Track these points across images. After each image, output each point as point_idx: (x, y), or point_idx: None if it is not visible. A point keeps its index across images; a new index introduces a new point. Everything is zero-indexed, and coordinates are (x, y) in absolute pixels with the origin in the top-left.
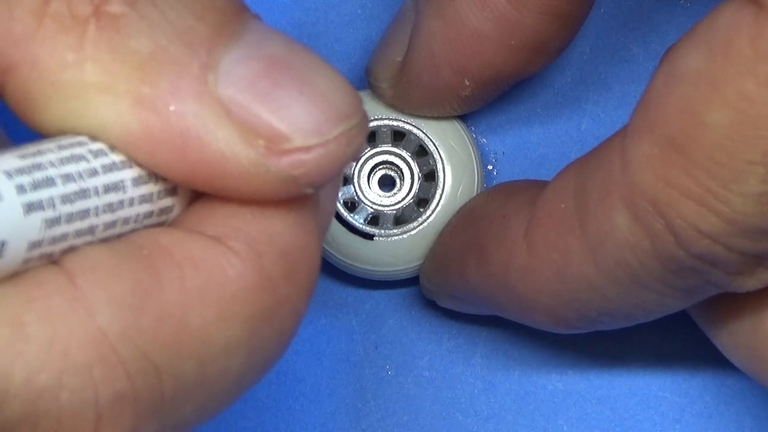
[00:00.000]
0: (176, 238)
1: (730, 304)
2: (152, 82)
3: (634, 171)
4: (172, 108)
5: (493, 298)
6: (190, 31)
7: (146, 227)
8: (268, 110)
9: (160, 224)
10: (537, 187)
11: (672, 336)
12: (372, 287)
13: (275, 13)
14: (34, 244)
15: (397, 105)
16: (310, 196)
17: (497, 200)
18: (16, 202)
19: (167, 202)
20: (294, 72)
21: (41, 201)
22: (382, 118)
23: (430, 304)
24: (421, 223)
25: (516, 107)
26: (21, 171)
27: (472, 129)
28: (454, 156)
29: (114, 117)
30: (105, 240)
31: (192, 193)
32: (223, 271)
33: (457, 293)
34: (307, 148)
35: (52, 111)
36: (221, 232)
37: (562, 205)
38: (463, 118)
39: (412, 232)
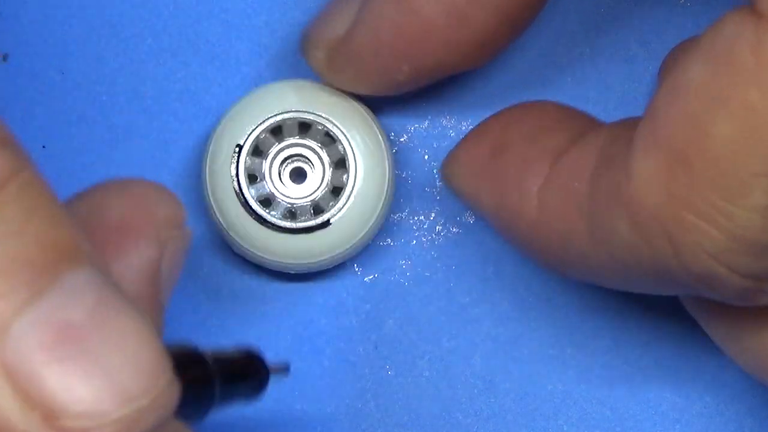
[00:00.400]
0: None
1: (740, 311)
2: None
3: (638, 186)
4: None
5: (501, 230)
6: None
7: None
8: (48, 383)
9: None
10: (565, 130)
11: (672, 336)
12: (371, 287)
13: (275, 13)
14: None
15: (327, 76)
16: None
17: (523, 135)
18: None
19: None
20: (85, 344)
21: None
22: (288, 111)
23: (430, 304)
24: (340, 210)
25: None
26: None
27: (472, 129)
28: (361, 141)
29: None
30: None
31: None
32: None
33: (467, 197)
34: (82, 429)
35: None
36: None
37: (576, 184)
38: (461, 116)
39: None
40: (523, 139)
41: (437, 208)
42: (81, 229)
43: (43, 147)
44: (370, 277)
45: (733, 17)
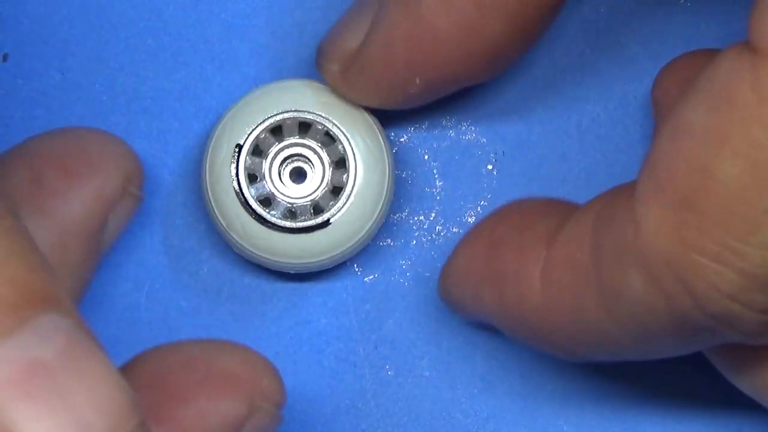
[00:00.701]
0: None
1: (753, 350)
2: None
3: (647, 234)
4: None
5: (507, 326)
6: None
7: None
8: (14, 419)
9: None
10: (554, 215)
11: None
12: (371, 287)
13: (275, 13)
14: None
15: (341, 89)
16: None
17: (514, 227)
18: None
19: None
20: (52, 383)
21: None
22: (288, 111)
23: (430, 304)
24: (340, 209)
25: (516, 107)
26: None
27: (472, 129)
28: (361, 141)
29: None
30: None
31: None
32: None
33: (471, 311)
34: None
35: None
36: None
37: (578, 255)
38: (461, 116)
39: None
40: (515, 230)
41: (437, 208)
42: (55, 279)
43: None
44: (370, 277)
45: (728, 55)
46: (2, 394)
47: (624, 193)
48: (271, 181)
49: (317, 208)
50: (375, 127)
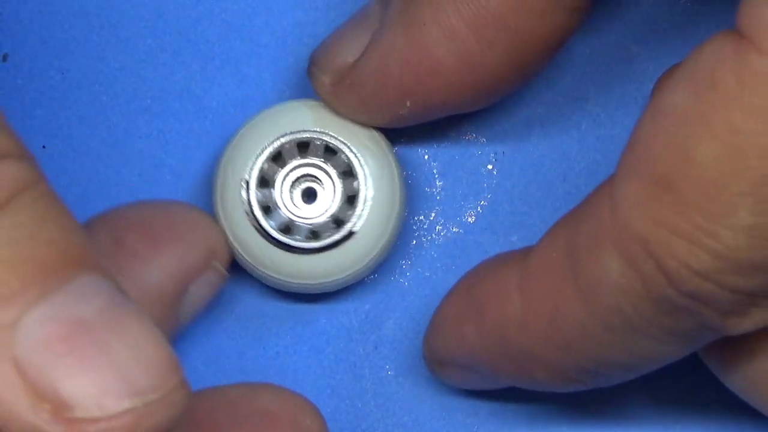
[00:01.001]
0: None
1: (740, 347)
2: None
3: (623, 213)
4: None
5: (492, 358)
6: None
7: None
8: (58, 375)
9: None
10: (528, 248)
11: None
12: (371, 287)
13: (275, 13)
14: None
15: (330, 102)
16: None
17: (490, 266)
18: None
19: None
20: (95, 339)
21: None
22: (283, 134)
23: (430, 304)
24: (360, 216)
25: (516, 107)
26: None
27: (472, 129)
28: (361, 146)
29: None
30: None
31: None
32: None
33: (457, 359)
34: (91, 421)
35: None
36: None
37: (554, 255)
38: (460, 117)
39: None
40: (490, 268)
41: (437, 208)
42: (92, 242)
43: (43, 147)
44: (370, 277)
45: (715, 40)
46: (47, 352)
47: (599, 189)
48: (286, 207)
49: (338, 221)
50: (372, 129)
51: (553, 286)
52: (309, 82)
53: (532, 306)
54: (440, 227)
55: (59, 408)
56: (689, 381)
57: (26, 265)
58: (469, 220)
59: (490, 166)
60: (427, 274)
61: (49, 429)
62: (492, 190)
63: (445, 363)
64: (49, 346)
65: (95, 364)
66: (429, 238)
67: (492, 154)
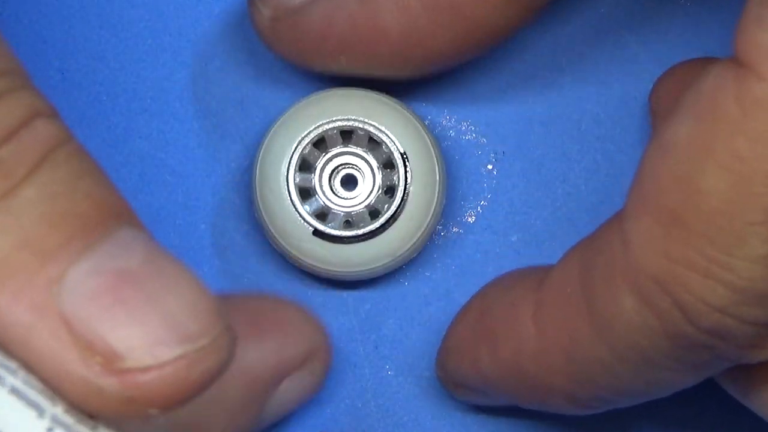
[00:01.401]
0: None
1: (759, 371)
2: None
3: (634, 251)
4: (12, 318)
5: (506, 385)
6: (41, 240)
7: None
8: (107, 327)
9: None
10: (542, 271)
11: None
12: (371, 287)
13: None
14: None
15: (266, 38)
16: None
17: (504, 288)
18: None
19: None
20: (141, 288)
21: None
22: (328, 121)
23: (430, 305)
24: (398, 208)
25: (516, 107)
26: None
27: (472, 129)
28: (405, 139)
29: None
30: None
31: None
32: None
33: (470, 382)
34: (143, 370)
35: None
36: None
37: (568, 289)
38: (461, 116)
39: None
40: (504, 290)
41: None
42: (123, 197)
43: None
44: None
45: (715, 69)
46: (94, 305)
47: (610, 221)
48: (323, 193)
49: (374, 212)
50: (417, 122)
51: (568, 319)
52: (249, 16)
53: (547, 337)
54: (440, 227)
55: (110, 359)
56: (694, 403)
57: (67, 219)
58: (469, 220)
59: (490, 166)
60: (427, 273)
61: (101, 382)
62: (492, 190)
63: (459, 384)
64: (95, 299)
65: (143, 314)
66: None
67: (492, 154)
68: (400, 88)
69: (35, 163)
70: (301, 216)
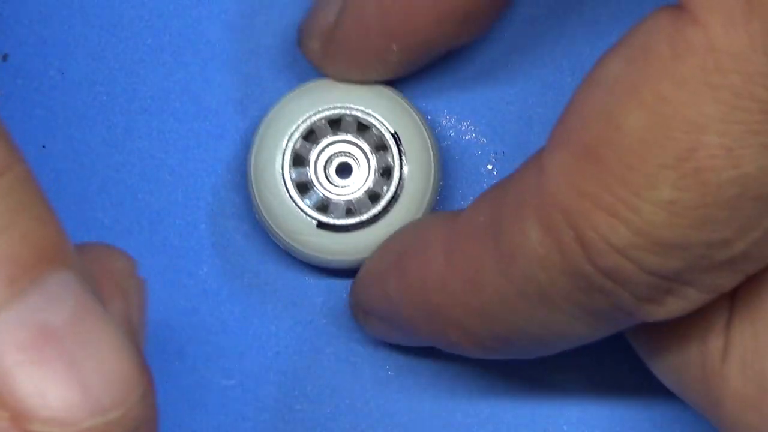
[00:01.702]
0: None
1: (658, 330)
2: None
3: (547, 181)
4: None
5: (410, 313)
6: None
7: None
8: (21, 384)
9: None
10: (460, 210)
11: None
12: None
13: (275, 13)
14: None
15: (323, 66)
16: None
17: (420, 223)
18: None
19: None
20: (61, 348)
21: None
22: (315, 112)
23: None
24: (397, 188)
25: (516, 107)
26: None
27: (472, 129)
28: (394, 119)
29: None
30: None
31: None
32: None
33: (378, 311)
34: None
35: None
36: None
37: (481, 218)
38: (461, 116)
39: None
40: (420, 226)
41: (437, 208)
42: (61, 228)
43: (43, 147)
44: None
45: (655, 13)
46: (14, 359)
47: (532, 157)
48: (321, 185)
49: (374, 196)
50: (402, 101)
51: (475, 251)
52: (302, 53)
53: (453, 268)
54: None
55: (18, 418)
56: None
57: (1, 264)
58: None
59: (490, 166)
60: None
61: None
62: None
63: (368, 313)
64: (13, 353)
65: (59, 377)
66: None
67: (492, 154)
68: (399, 87)
69: None
70: (302, 211)
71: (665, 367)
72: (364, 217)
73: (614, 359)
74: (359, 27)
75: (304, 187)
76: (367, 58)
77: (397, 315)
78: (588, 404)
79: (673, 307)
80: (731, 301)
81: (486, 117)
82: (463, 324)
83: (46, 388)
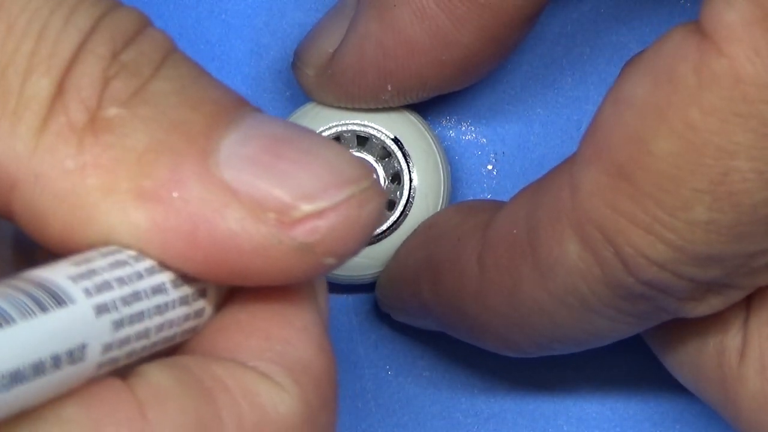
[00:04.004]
0: (230, 371)
1: (676, 328)
2: (151, 174)
3: (582, 198)
4: (175, 195)
5: (444, 318)
6: (186, 121)
7: (184, 332)
8: (273, 183)
9: (193, 329)
10: (493, 209)
11: None
12: (371, 288)
13: (275, 13)
14: (107, 347)
15: (315, 93)
16: (319, 308)
17: (453, 221)
18: (87, 304)
19: (200, 304)
20: (296, 145)
21: (106, 303)
22: (345, 123)
23: None
24: (391, 225)
25: (516, 107)
26: (81, 276)
27: (472, 129)
28: (418, 155)
29: (120, 217)
30: (157, 347)
31: (219, 297)
32: (276, 408)
33: (410, 309)
34: (319, 214)
35: (59, 222)
36: (266, 367)
37: (514, 231)
38: (461, 116)
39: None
40: (453, 225)
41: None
42: None
43: None
44: (371, 276)
45: (677, 33)
46: (257, 165)
47: (561, 166)
48: None
49: (390, 205)
50: (405, 111)
51: (511, 262)
52: (296, 78)
53: (489, 278)
54: None
55: (284, 212)
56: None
57: (205, 103)
58: None
59: (490, 166)
60: None
61: (279, 236)
62: (492, 190)
63: (398, 309)
64: (254, 161)
65: (305, 164)
66: None
67: (492, 154)
68: None
69: (158, 63)
70: None
71: (681, 366)
72: (384, 227)
73: (615, 359)
74: (357, 64)
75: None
76: (360, 94)
77: (431, 315)
78: (588, 404)
79: (714, 302)
80: (748, 300)
81: (486, 117)
82: (501, 334)
83: (298, 176)
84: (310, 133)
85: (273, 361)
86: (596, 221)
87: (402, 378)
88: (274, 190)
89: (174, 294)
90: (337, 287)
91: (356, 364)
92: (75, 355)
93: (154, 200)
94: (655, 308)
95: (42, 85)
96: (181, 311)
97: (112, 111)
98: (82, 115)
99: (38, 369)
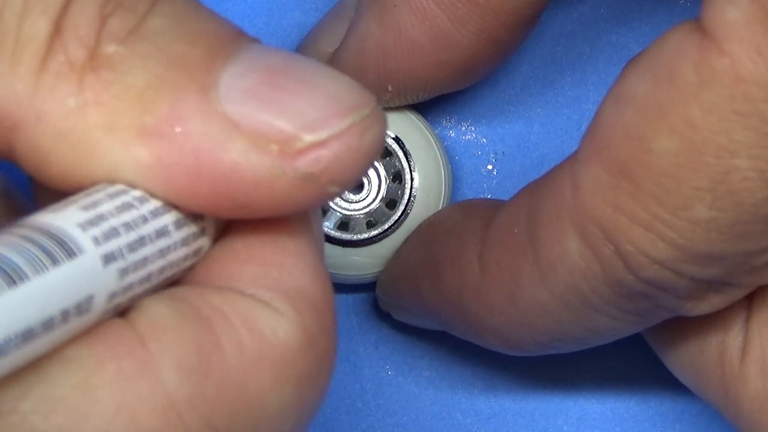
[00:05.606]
0: (227, 299)
1: (677, 326)
2: (153, 110)
3: (583, 196)
4: (177, 130)
5: (445, 317)
6: (184, 56)
7: (183, 271)
8: (274, 114)
9: (191, 267)
10: (494, 208)
11: None
12: (371, 288)
13: (275, 13)
14: (112, 296)
15: None
16: (314, 237)
17: (454, 219)
18: (95, 254)
19: (199, 243)
20: (295, 75)
21: (113, 252)
22: None
23: None
24: (393, 224)
25: (516, 107)
26: (90, 222)
27: (472, 129)
28: (419, 154)
29: (123, 154)
30: (156, 288)
31: (217, 233)
32: (275, 334)
33: (410, 308)
34: (322, 143)
35: (62, 161)
36: (263, 294)
37: (515, 229)
38: (461, 116)
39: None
40: (454, 223)
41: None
42: None
43: None
44: (371, 276)
45: (678, 32)
46: (257, 96)
47: (562, 165)
48: (338, 204)
49: (391, 203)
50: (406, 111)
51: (512, 261)
52: None
53: (490, 277)
54: None
55: (286, 142)
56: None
57: (202, 37)
58: None
59: (490, 166)
60: None
61: (283, 165)
62: (492, 190)
63: (398, 307)
64: (255, 93)
65: (306, 94)
66: None
67: (492, 154)
68: None
69: (152, 0)
70: (325, 234)
71: (682, 365)
72: (386, 226)
73: (614, 359)
74: (357, 64)
75: (323, 212)
76: None
77: (430, 315)
78: (588, 404)
79: (714, 301)
80: (749, 300)
81: (486, 117)
82: (502, 332)
83: (298, 106)
84: (309, 61)
85: (269, 287)
86: (597, 219)
87: (402, 378)
88: (276, 122)
89: (176, 236)
90: (337, 287)
91: (356, 364)
92: (82, 307)
93: (157, 136)
94: (655, 306)
95: (39, 25)
96: (182, 252)
97: (110, 48)
98: (81, 54)
99: (48, 325)
